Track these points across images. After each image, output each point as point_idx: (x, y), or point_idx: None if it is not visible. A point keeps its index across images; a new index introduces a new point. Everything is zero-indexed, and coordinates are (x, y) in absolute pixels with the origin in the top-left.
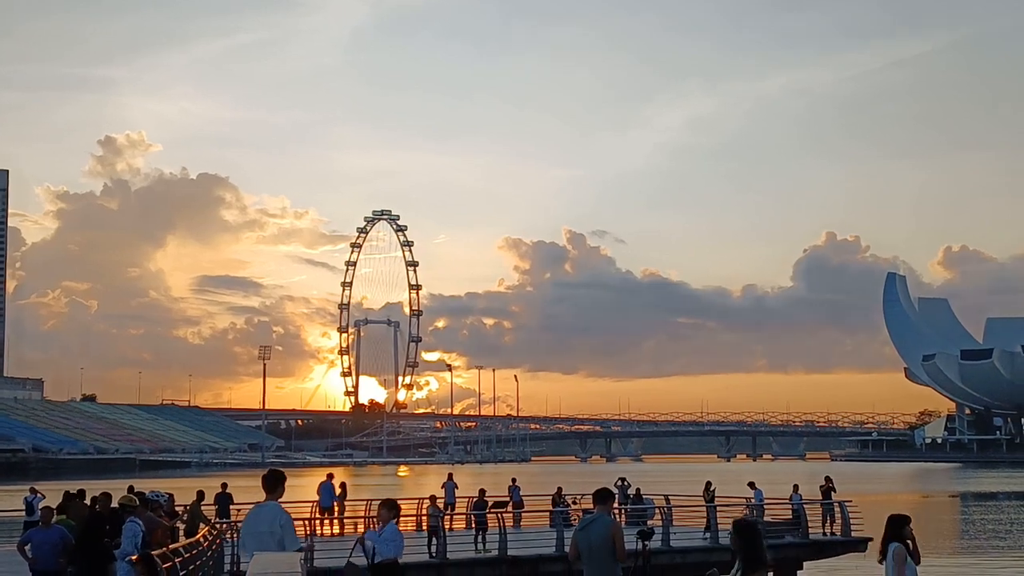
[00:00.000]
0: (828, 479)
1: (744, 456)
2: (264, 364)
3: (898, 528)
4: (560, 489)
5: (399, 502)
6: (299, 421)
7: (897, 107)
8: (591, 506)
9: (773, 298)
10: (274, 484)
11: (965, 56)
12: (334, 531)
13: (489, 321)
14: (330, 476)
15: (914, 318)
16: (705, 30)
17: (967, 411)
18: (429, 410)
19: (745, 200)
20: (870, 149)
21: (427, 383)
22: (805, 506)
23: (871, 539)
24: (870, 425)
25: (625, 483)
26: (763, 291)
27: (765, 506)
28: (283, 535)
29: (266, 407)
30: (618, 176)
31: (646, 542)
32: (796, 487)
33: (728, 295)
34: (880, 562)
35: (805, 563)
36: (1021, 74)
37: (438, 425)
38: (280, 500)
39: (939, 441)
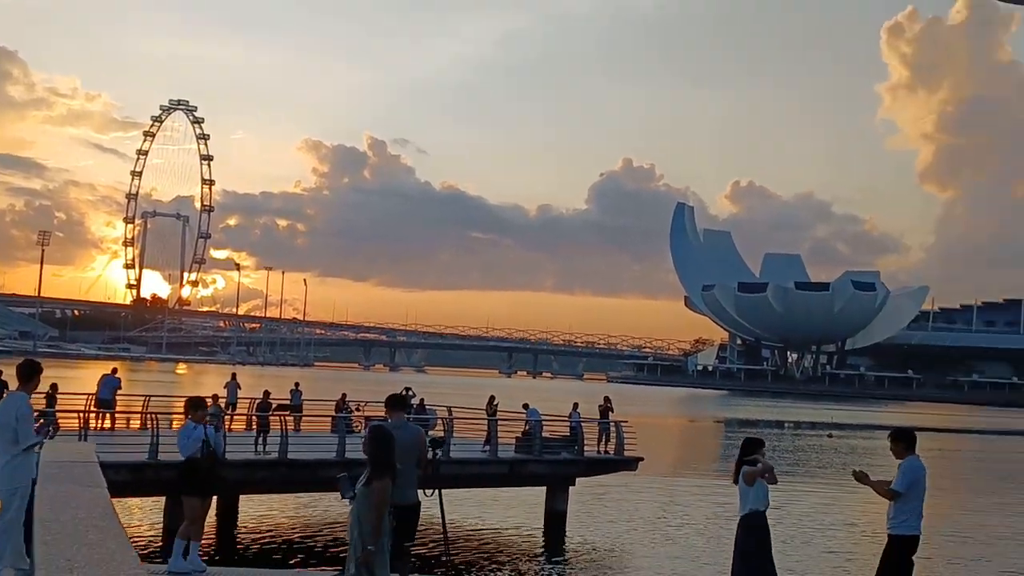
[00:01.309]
0: (607, 399)
1: (524, 373)
2: (43, 250)
3: (750, 451)
4: (344, 395)
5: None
6: (76, 312)
7: (702, 35)
8: (376, 413)
9: (567, 219)
10: (28, 375)
11: None
12: (107, 426)
13: (283, 222)
14: (114, 370)
15: (698, 249)
16: None
17: (739, 341)
18: (214, 308)
19: (546, 120)
20: (672, 76)
21: (213, 281)
22: (583, 424)
23: (642, 459)
24: (648, 350)
25: (410, 392)
26: (558, 212)
27: (543, 423)
28: (17, 428)
29: (41, 295)
30: (423, 85)
31: (437, 451)
32: (576, 405)
33: (523, 213)
34: (735, 483)
35: (578, 479)
36: (832, 15)
37: (221, 324)
38: (38, 392)
39: (710, 369)
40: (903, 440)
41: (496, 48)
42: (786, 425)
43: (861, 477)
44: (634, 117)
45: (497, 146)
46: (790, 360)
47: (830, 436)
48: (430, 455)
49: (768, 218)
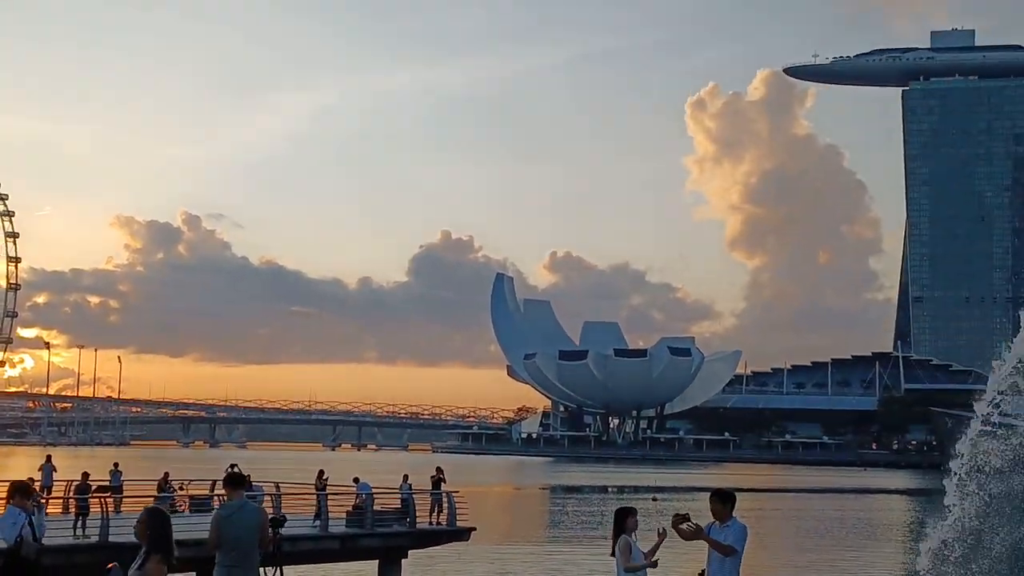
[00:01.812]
0: (439, 469)
1: (349, 445)
2: None
3: (622, 520)
4: (167, 474)
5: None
6: None
7: (517, 111)
8: (200, 492)
9: (388, 292)
10: None
11: (585, 70)
12: None
13: (95, 299)
14: None
15: (518, 318)
16: (337, 23)
17: (562, 408)
18: (22, 389)
19: (364, 193)
20: (488, 151)
21: (21, 360)
22: (414, 496)
23: (474, 528)
24: (472, 419)
25: (236, 469)
26: (378, 284)
27: (375, 496)
28: None
29: None
30: (238, 160)
31: (278, 530)
32: (406, 477)
33: (343, 286)
34: (611, 555)
35: (411, 552)
36: (640, 90)
37: (31, 405)
38: None
39: (534, 436)
40: (728, 501)
41: (312, 122)
42: (610, 490)
43: (694, 531)
44: (451, 190)
45: (314, 219)
46: (612, 426)
47: (654, 500)
48: (271, 534)
49: (586, 287)
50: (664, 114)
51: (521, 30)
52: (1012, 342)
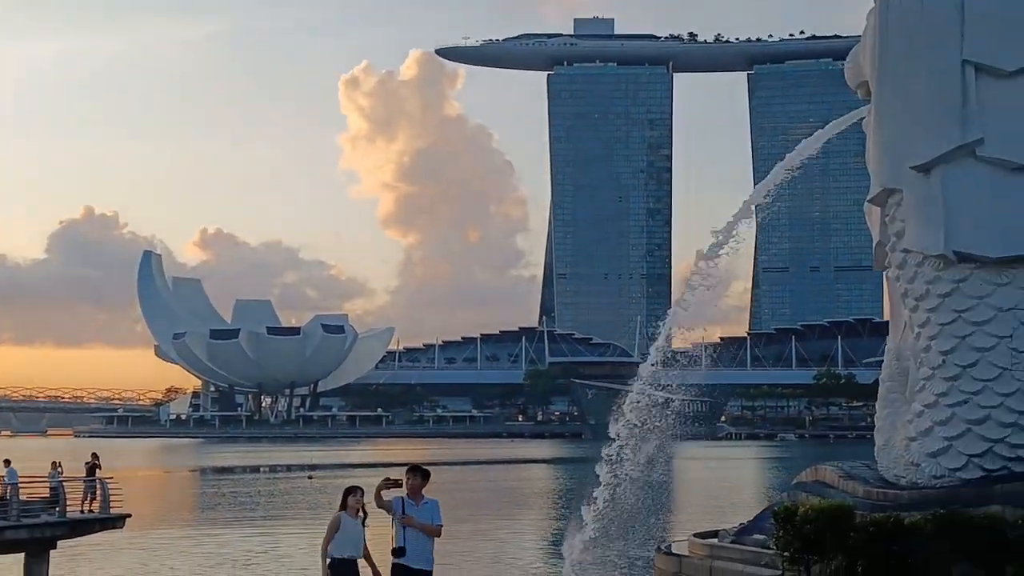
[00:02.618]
0: (95, 455)
1: None
2: None
3: (343, 498)
4: None
5: None
6: None
7: (163, 86)
8: None
9: (24, 270)
10: None
11: (232, 46)
12: None
13: None
14: None
15: (167, 297)
16: None
17: (213, 388)
18: None
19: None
20: (133, 125)
21: None
22: (65, 484)
23: (129, 515)
24: (117, 401)
25: None
26: (13, 262)
27: (20, 484)
28: None
29: None
30: None
31: None
32: (56, 464)
33: None
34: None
35: (60, 542)
36: (294, 66)
37: None
38: None
39: (183, 417)
40: (427, 477)
41: None
42: (262, 469)
43: (388, 505)
44: (93, 165)
45: None
46: (264, 405)
47: (310, 478)
48: None
49: (238, 265)
50: (319, 89)
51: (165, 3)
52: (644, 316)
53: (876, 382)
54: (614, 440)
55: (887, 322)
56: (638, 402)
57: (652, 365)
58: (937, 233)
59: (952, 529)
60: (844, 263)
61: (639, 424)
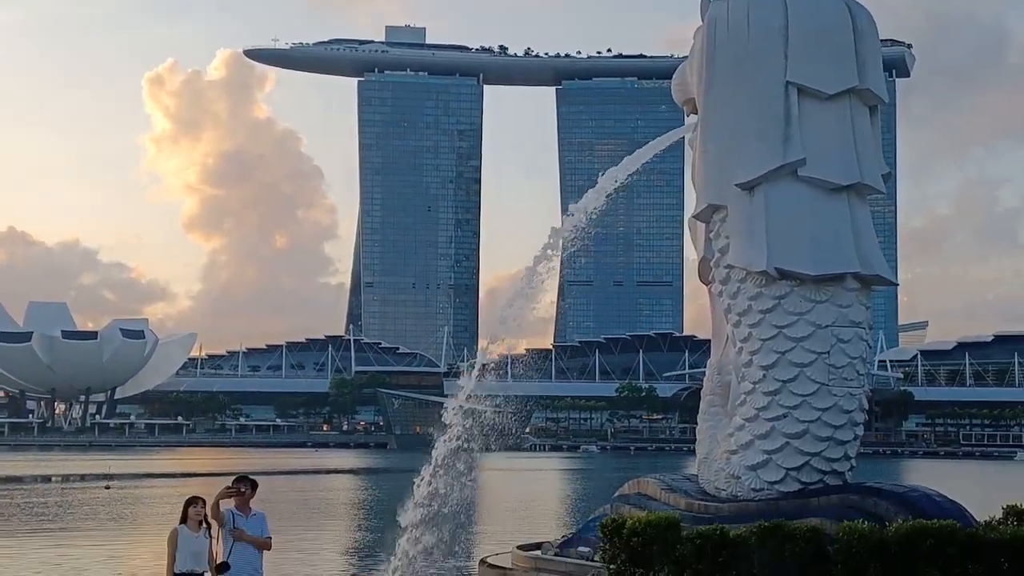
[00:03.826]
0: None
1: None
2: None
3: (183, 510)
4: None
5: None
6: None
7: None
8: None
9: None
10: None
11: (29, 35)
12: None
13: None
14: None
15: None
16: None
17: (2, 394)
18: None
19: None
20: None
21: None
22: None
23: None
24: None
25: None
26: None
27: None
28: None
29: None
30: None
31: None
32: None
33: None
34: None
35: None
36: (97, 59)
37: None
38: None
39: None
40: (254, 487)
41: None
42: (54, 479)
43: (239, 532)
44: None
45: None
46: (58, 411)
47: (108, 488)
48: None
49: (32, 265)
50: (122, 86)
51: None
52: (451, 326)
53: (675, 395)
54: (430, 451)
55: (687, 336)
56: (457, 414)
57: (478, 376)
58: (760, 250)
59: (775, 541)
60: (646, 278)
61: (459, 436)
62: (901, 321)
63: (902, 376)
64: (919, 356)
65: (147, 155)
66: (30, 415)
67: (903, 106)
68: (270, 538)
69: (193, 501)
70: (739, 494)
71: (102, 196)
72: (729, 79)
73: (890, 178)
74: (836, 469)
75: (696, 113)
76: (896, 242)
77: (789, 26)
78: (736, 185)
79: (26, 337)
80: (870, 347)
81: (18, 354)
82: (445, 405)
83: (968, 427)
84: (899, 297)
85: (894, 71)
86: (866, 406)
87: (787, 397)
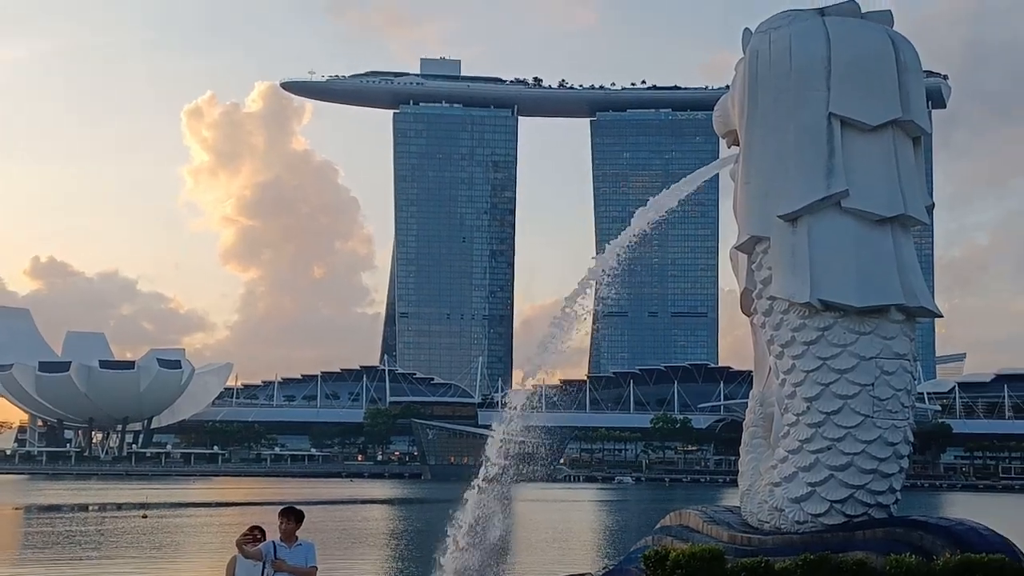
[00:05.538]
0: None
1: None
2: None
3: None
4: None
5: None
6: None
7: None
8: None
9: None
10: None
11: (66, 65)
12: None
13: None
14: None
15: None
16: None
17: (40, 423)
18: None
19: None
20: None
21: None
22: None
23: None
24: None
25: None
26: None
27: None
28: None
29: None
30: None
31: None
32: None
33: None
34: None
35: None
36: (135, 95)
37: None
38: None
39: (8, 452)
40: (300, 519)
41: None
42: (91, 508)
43: (257, 553)
44: None
45: None
46: (95, 440)
47: (145, 517)
48: None
49: (71, 295)
50: (161, 119)
51: None
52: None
53: (710, 427)
54: (473, 481)
55: (722, 368)
56: (502, 448)
57: (521, 409)
58: (803, 282)
59: (821, 574)
60: (681, 309)
61: (501, 467)
62: (938, 353)
63: (940, 408)
64: (957, 388)
65: (186, 186)
66: (68, 444)
67: (939, 136)
68: (315, 567)
69: (250, 531)
70: (783, 526)
71: (141, 227)
72: (771, 111)
73: (933, 209)
74: (881, 502)
75: (737, 145)
76: (933, 273)
77: (831, 58)
78: (779, 216)
79: (64, 367)
80: (914, 379)
81: (56, 384)
82: (487, 437)
83: (1008, 460)
84: (936, 329)
85: (930, 102)
86: (911, 438)
87: (831, 429)
